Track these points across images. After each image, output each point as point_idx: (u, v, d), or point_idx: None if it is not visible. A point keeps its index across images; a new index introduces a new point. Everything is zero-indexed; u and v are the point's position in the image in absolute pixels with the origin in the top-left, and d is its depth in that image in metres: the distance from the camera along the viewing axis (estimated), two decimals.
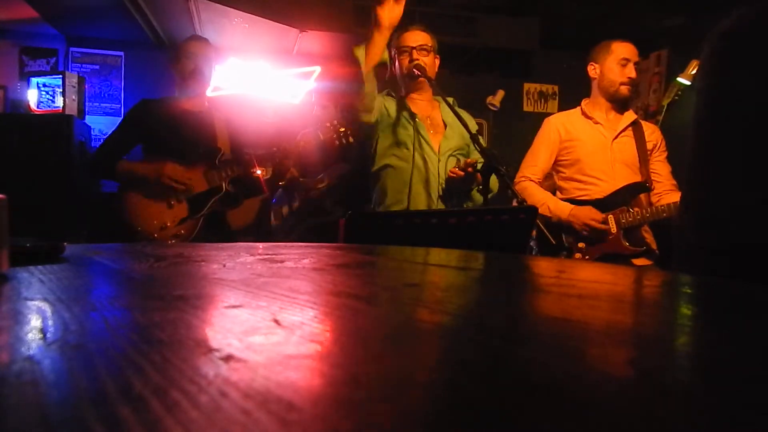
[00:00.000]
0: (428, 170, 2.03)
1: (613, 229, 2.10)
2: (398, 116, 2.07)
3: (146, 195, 2.10)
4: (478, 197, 2.06)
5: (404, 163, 2.03)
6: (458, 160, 2.04)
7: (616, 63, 2.19)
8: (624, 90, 2.20)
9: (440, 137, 2.08)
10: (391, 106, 2.09)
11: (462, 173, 1.92)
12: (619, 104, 2.24)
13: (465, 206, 2.09)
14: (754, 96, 0.74)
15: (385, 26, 1.82)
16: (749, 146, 0.76)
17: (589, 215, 2.10)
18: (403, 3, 1.82)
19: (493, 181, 1.95)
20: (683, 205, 0.92)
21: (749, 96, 0.75)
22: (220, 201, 2.19)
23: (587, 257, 2.13)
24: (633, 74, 2.19)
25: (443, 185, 2.03)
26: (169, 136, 2.15)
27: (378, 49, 1.86)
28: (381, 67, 1.98)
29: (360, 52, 1.86)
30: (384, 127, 2.07)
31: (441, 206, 2.03)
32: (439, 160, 2.04)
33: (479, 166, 1.93)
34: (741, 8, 0.78)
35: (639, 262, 2.13)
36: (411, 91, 2.11)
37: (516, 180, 2.28)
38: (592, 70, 2.26)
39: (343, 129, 2.24)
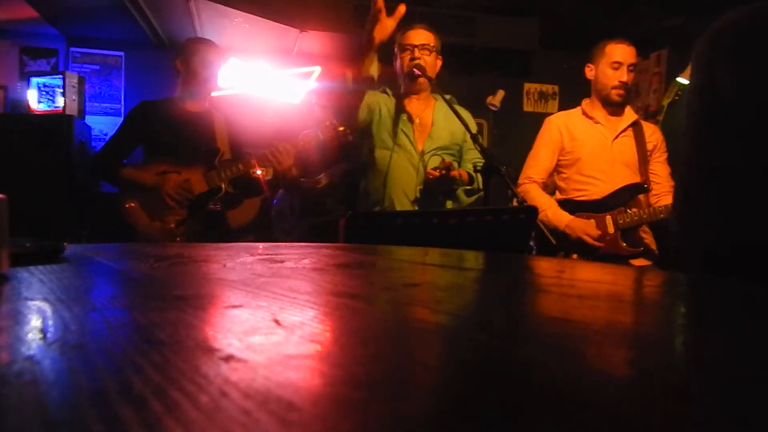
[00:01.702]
0: (408, 168, 2.04)
1: (611, 230, 2.10)
2: (387, 114, 2.09)
3: (147, 196, 2.10)
4: (464, 197, 2.07)
5: (383, 161, 2.04)
6: (442, 160, 2.04)
7: (608, 66, 2.15)
8: (614, 95, 2.16)
9: (425, 136, 2.08)
10: (383, 103, 2.10)
11: (437, 174, 1.93)
12: (615, 107, 2.22)
13: (450, 207, 2.09)
14: (747, 95, 0.74)
15: (375, 43, 1.84)
16: (745, 145, 0.76)
17: (585, 230, 2.09)
18: (398, 19, 1.82)
19: (479, 183, 1.97)
20: (679, 205, 0.92)
21: (743, 95, 0.75)
22: (220, 201, 2.20)
23: (585, 257, 2.13)
24: (624, 78, 2.13)
25: (422, 186, 2.03)
26: (169, 137, 2.15)
27: (368, 62, 1.89)
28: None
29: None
30: (373, 125, 2.09)
31: (420, 205, 2.04)
32: (421, 159, 2.04)
33: (455, 167, 1.95)
34: (734, 8, 0.78)
35: (637, 262, 2.13)
36: (410, 90, 2.11)
37: (520, 181, 2.28)
38: (589, 71, 2.24)
39: (342, 128, 2.25)
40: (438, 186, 1.99)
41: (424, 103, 2.14)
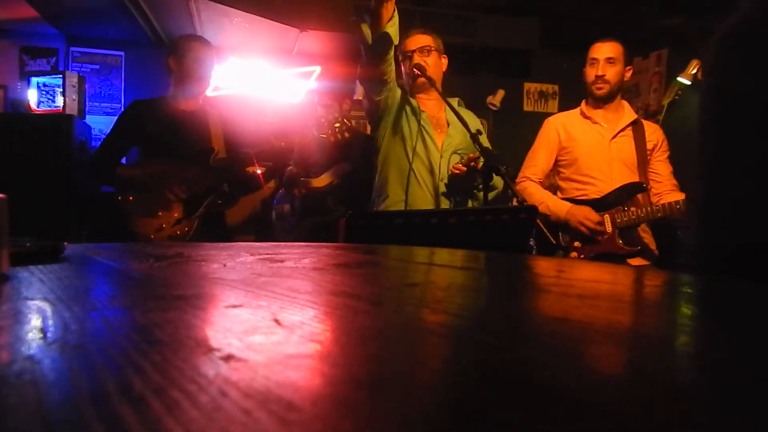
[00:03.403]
0: (430, 166, 2.04)
1: (609, 228, 2.11)
2: (405, 109, 2.09)
3: (142, 197, 2.10)
4: (482, 196, 2.07)
5: (405, 157, 2.05)
6: (461, 157, 2.05)
7: (588, 65, 2.24)
8: (594, 90, 2.22)
9: (443, 135, 2.10)
10: (400, 97, 2.11)
11: (464, 168, 1.93)
12: (600, 102, 2.24)
13: (470, 205, 2.09)
14: (758, 95, 0.74)
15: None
16: (754, 146, 0.76)
17: (586, 215, 2.11)
18: None
19: (498, 180, 1.96)
20: (689, 205, 0.92)
21: (754, 95, 0.75)
22: (216, 201, 2.19)
23: (582, 256, 2.14)
24: (599, 71, 2.19)
25: (445, 181, 2.04)
26: (163, 136, 2.14)
27: (385, 13, 1.79)
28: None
29: (365, 27, 1.87)
30: (391, 118, 2.08)
31: (442, 202, 2.04)
32: (441, 157, 2.05)
33: (481, 161, 1.94)
34: (743, 7, 0.78)
35: (635, 262, 2.14)
36: (415, 92, 2.13)
37: (517, 180, 2.30)
38: (583, 75, 2.29)
39: (338, 125, 2.24)
40: (463, 182, 2.00)
41: (436, 105, 2.15)
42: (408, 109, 2.09)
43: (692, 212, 0.90)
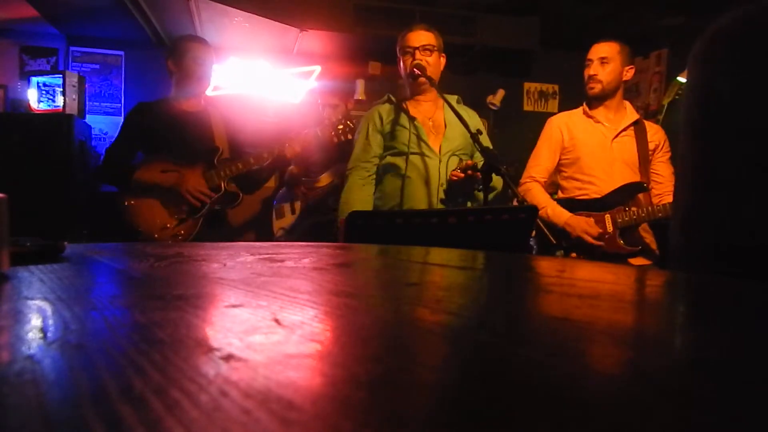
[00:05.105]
0: (428, 172, 2.03)
1: (610, 228, 2.11)
2: (396, 120, 2.07)
3: (146, 196, 2.10)
4: (482, 197, 2.07)
5: (399, 167, 2.03)
6: (460, 160, 2.04)
7: (585, 66, 2.27)
8: (587, 90, 2.26)
9: (441, 138, 2.08)
10: (388, 113, 2.10)
11: (462, 175, 1.93)
12: (599, 101, 2.25)
13: (469, 205, 2.09)
14: (744, 95, 0.74)
15: None
16: (741, 146, 0.76)
17: (585, 228, 2.10)
18: None
19: (497, 180, 1.95)
20: (676, 205, 0.92)
21: (740, 95, 0.75)
22: (220, 201, 2.20)
23: (583, 256, 2.14)
24: (591, 71, 2.23)
25: (444, 187, 2.03)
26: (167, 137, 2.15)
27: None
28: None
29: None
30: (383, 134, 2.08)
31: (442, 207, 2.03)
32: (440, 161, 2.04)
33: (480, 166, 1.93)
34: (732, 8, 0.78)
35: (636, 261, 2.14)
36: (415, 91, 2.11)
37: (522, 180, 2.31)
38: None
39: (341, 127, 2.24)
40: (462, 187, 1.99)
41: (434, 105, 2.13)
42: (399, 119, 2.07)
43: (677, 213, 0.90)
